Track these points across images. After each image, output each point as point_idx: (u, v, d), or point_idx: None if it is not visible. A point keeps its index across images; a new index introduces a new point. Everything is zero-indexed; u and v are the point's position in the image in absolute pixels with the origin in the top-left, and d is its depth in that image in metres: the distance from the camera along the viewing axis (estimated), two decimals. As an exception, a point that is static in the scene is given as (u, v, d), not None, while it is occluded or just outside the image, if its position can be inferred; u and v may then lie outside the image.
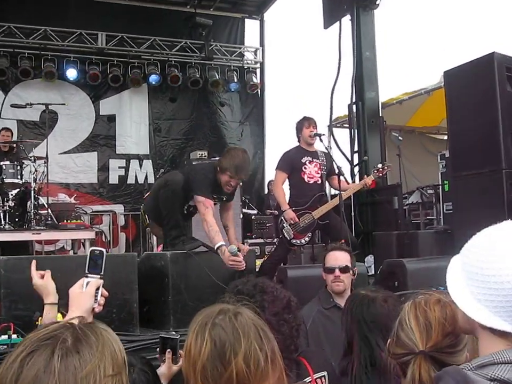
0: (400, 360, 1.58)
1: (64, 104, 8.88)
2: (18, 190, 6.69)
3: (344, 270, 3.55)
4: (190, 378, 1.37)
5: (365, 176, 6.37)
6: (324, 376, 2.03)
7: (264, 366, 1.34)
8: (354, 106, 8.87)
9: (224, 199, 4.81)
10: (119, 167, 10.55)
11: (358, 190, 6.06)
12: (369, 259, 7.06)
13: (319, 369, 2.02)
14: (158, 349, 2.38)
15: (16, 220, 6.65)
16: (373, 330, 2.18)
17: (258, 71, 11.94)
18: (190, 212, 4.84)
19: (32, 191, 6.62)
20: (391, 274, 4.78)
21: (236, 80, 11.23)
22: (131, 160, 10.64)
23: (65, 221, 6.90)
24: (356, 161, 8.65)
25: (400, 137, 6.90)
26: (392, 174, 7.81)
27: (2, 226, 6.43)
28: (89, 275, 1.71)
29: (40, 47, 9.83)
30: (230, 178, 4.48)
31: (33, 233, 6.39)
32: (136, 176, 10.65)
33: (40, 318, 2.21)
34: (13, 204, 6.58)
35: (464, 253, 1.37)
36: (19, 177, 6.63)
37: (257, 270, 5.39)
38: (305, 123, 5.92)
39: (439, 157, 7.51)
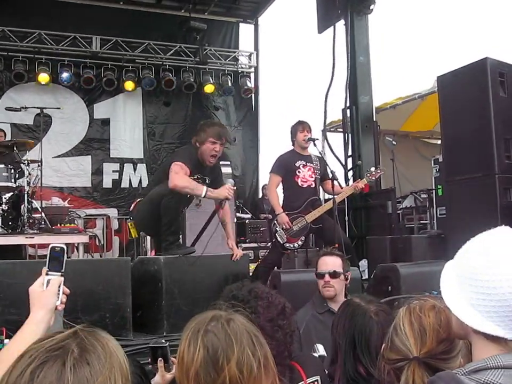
0: (394, 365, 1.58)
1: (58, 108, 8.85)
2: (11, 193, 6.65)
3: (333, 275, 3.55)
4: (183, 385, 1.37)
5: (359, 180, 6.39)
6: (317, 380, 2.02)
7: (257, 372, 1.33)
8: (348, 111, 8.87)
9: (208, 181, 4.65)
10: (113, 171, 10.52)
11: (351, 193, 6.06)
12: (363, 263, 7.06)
13: (312, 373, 2.02)
14: (149, 359, 2.32)
15: (9, 223, 6.60)
16: (358, 345, 2.15)
17: (252, 75, 11.95)
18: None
19: (26, 195, 6.58)
20: (385, 278, 4.79)
21: (230, 84, 11.23)
22: (125, 164, 10.61)
23: (58, 225, 6.86)
24: (349, 165, 8.65)
25: (394, 142, 6.93)
26: (386, 179, 7.83)
27: (-5, 230, 6.39)
28: (49, 272, 1.62)
29: (35, 50, 9.80)
30: (214, 144, 4.50)
31: (26, 237, 6.34)
32: (130, 180, 10.63)
33: None
34: (6, 208, 6.53)
35: (458, 258, 1.37)
36: (13, 180, 6.59)
37: (250, 274, 5.39)
38: (299, 127, 5.93)
39: (432, 162, 7.52)
